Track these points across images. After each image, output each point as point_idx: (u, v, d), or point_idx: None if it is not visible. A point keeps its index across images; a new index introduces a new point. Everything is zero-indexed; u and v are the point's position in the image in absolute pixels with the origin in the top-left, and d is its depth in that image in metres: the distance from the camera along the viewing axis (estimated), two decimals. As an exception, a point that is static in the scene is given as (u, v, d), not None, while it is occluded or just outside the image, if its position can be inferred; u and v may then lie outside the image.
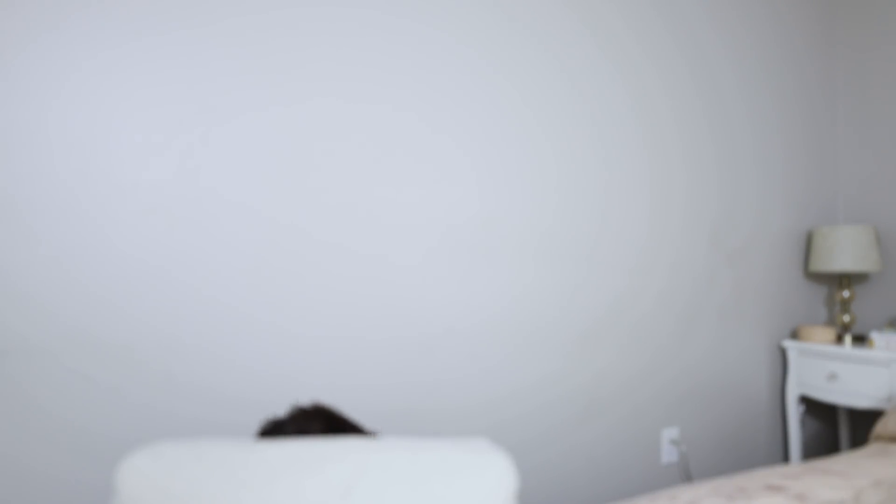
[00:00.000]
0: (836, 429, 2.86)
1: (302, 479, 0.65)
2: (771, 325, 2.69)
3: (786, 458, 2.72)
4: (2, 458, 1.47)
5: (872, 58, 2.77)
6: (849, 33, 2.87)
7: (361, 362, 1.88)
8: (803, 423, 2.75)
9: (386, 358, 1.91)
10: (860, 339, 2.56)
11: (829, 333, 2.56)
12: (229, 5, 1.72)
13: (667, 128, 2.43)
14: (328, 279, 1.83)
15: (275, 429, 0.82)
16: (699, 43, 2.52)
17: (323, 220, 1.83)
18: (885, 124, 2.71)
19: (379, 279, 1.90)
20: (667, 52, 2.44)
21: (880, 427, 1.98)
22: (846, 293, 2.60)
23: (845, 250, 2.51)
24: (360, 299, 1.88)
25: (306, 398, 1.81)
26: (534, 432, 2.14)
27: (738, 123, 2.62)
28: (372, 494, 0.65)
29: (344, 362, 1.85)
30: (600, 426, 2.27)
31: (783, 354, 2.72)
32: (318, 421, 0.83)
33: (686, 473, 2.46)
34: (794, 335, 2.76)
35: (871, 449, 1.84)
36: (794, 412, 2.59)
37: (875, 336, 2.34)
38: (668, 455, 2.41)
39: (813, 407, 2.79)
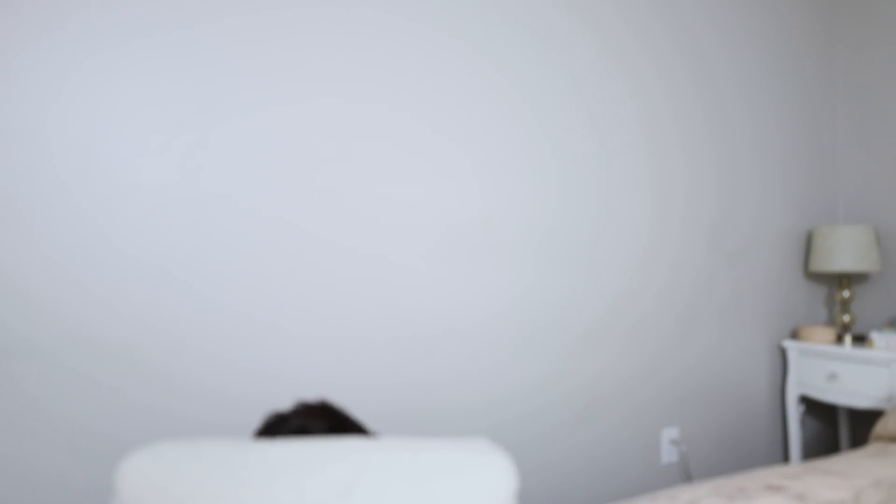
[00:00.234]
0: (836, 429, 2.86)
1: (302, 478, 0.65)
2: (771, 325, 2.69)
3: (786, 458, 2.72)
4: (2, 458, 1.47)
5: (872, 58, 2.77)
6: (849, 33, 2.87)
7: (361, 362, 1.88)
8: (803, 423, 2.75)
9: (386, 358, 1.91)
10: (860, 339, 2.56)
11: (829, 333, 2.56)
12: (229, 5, 1.72)
13: (667, 128, 2.43)
14: (328, 279, 1.83)
15: (278, 422, 0.81)
16: (699, 43, 2.52)
17: (323, 219, 1.83)
18: (885, 124, 2.71)
19: (379, 279, 1.90)
20: (667, 53, 2.44)
21: (880, 427, 1.98)
22: (846, 293, 2.60)
23: (845, 250, 2.51)
24: (360, 299, 1.88)
25: (308, 397, 1.81)
26: (534, 432, 2.15)
27: (738, 124, 2.62)
28: (372, 494, 0.65)
29: (344, 362, 1.85)
30: (600, 426, 2.27)
31: (783, 354, 2.72)
32: (322, 418, 0.82)
33: (686, 473, 2.46)
34: (794, 335, 2.76)
35: (871, 449, 1.84)
36: (794, 412, 2.59)
37: (875, 336, 2.34)
38: (668, 455, 2.41)
39: (813, 407, 2.79)
